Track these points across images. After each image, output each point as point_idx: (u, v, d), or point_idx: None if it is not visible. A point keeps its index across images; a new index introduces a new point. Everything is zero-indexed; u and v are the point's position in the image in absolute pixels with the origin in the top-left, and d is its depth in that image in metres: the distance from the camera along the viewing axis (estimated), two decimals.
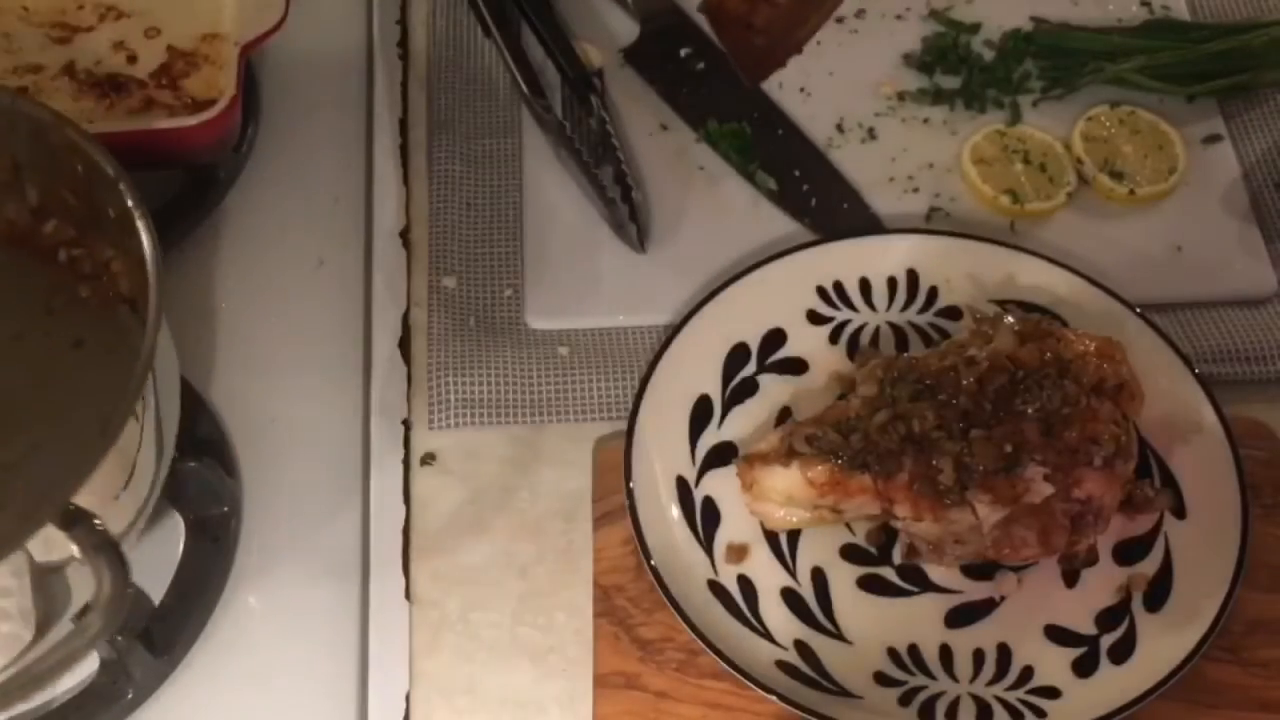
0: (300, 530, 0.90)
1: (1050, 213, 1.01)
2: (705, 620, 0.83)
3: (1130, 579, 0.86)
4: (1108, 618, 0.85)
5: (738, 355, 0.94)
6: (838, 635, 0.85)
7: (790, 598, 0.86)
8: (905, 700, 0.82)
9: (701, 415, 0.91)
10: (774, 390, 0.93)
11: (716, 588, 0.85)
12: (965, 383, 0.84)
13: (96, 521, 0.71)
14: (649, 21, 1.12)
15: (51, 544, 0.71)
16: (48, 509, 0.70)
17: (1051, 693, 0.82)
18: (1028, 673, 0.83)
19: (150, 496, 0.82)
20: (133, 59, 1.02)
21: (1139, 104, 1.06)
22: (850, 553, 0.88)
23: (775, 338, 0.94)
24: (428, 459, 0.93)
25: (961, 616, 0.85)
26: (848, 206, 1.03)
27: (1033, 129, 1.05)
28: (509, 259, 1.00)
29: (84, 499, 0.71)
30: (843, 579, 0.87)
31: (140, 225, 0.80)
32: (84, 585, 0.74)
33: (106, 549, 0.71)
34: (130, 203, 0.81)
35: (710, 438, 0.91)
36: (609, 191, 1.00)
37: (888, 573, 0.87)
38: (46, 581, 0.72)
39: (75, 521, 0.70)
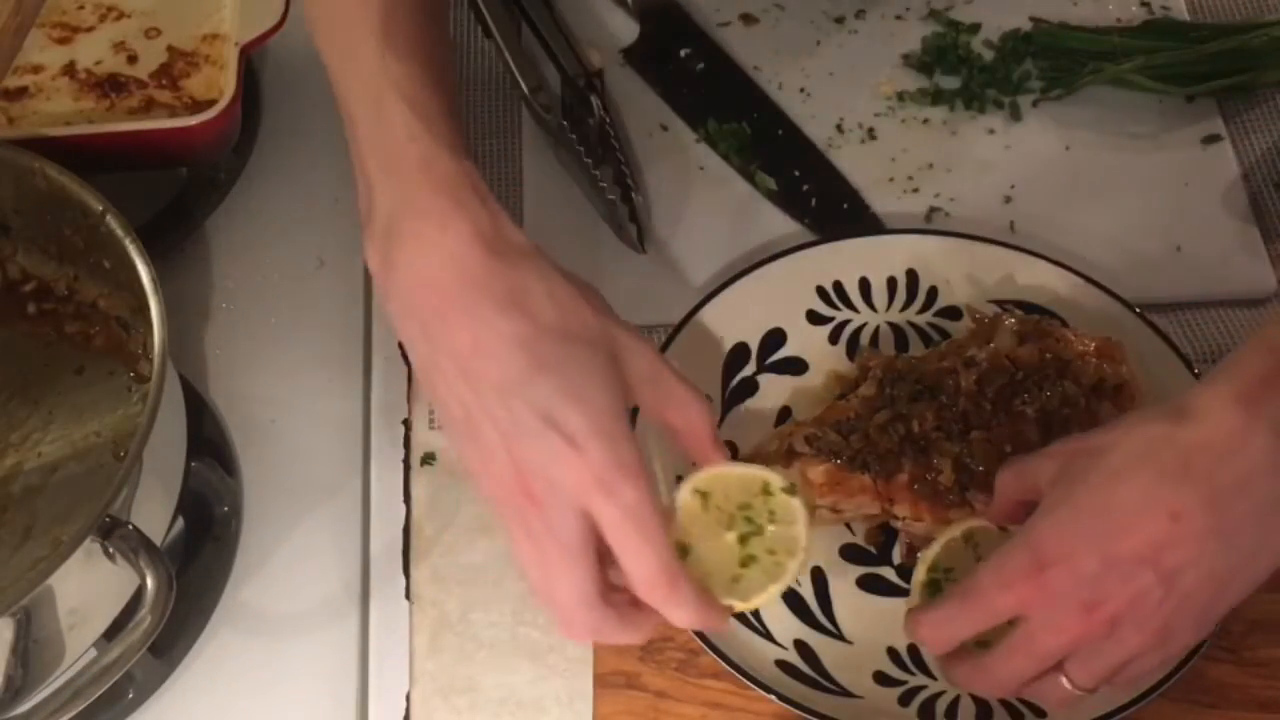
0: (300, 530, 0.90)
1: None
2: None
3: None
4: None
5: (738, 355, 0.94)
6: (838, 635, 0.85)
7: (790, 597, 0.85)
8: (905, 700, 0.82)
9: None
10: (774, 390, 0.93)
11: None
12: (965, 383, 0.84)
13: (132, 527, 0.74)
14: (649, 21, 1.12)
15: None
16: (85, 524, 0.73)
17: None
18: None
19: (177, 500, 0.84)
20: (133, 59, 1.02)
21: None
22: (850, 553, 0.87)
23: (775, 338, 0.94)
24: (428, 459, 0.93)
25: None
26: (848, 206, 1.03)
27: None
28: None
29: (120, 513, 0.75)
30: (843, 579, 0.87)
31: (143, 274, 0.82)
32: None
33: (145, 550, 0.74)
34: (120, 233, 0.83)
35: None
36: (609, 192, 1.00)
37: (888, 573, 0.87)
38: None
39: (111, 530, 0.74)
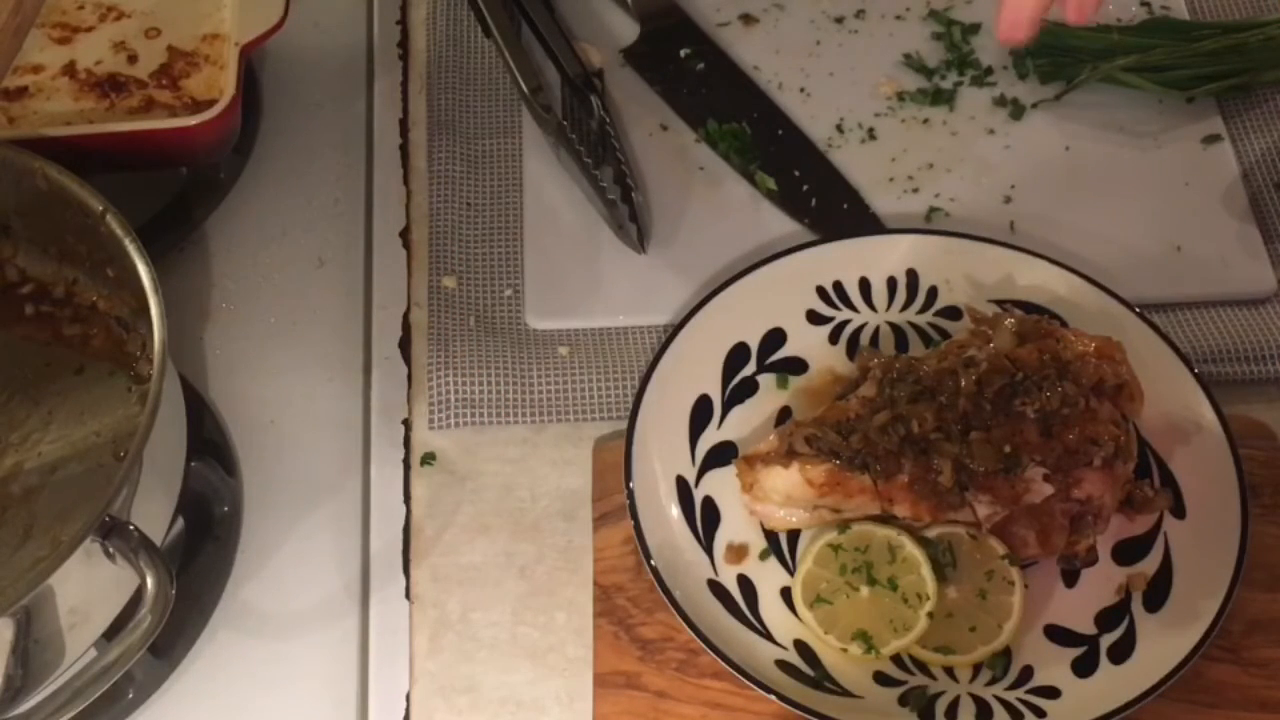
0: (300, 530, 0.90)
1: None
2: (705, 620, 0.83)
3: (1130, 579, 0.86)
4: (1107, 617, 0.85)
5: (738, 355, 0.94)
6: None
7: (790, 597, 0.85)
8: (905, 700, 0.82)
9: (701, 415, 0.91)
10: (774, 390, 0.93)
11: (716, 587, 0.86)
12: (964, 384, 0.84)
13: (132, 527, 0.74)
14: (649, 21, 1.12)
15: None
16: (85, 524, 0.73)
17: (1051, 692, 0.82)
18: (1027, 672, 0.83)
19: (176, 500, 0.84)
20: (133, 59, 1.02)
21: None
22: None
23: (775, 338, 0.94)
24: (428, 459, 0.93)
25: None
26: (848, 206, 1.03)
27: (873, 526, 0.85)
28: (509, 259, 1.00)
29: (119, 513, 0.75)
30: None
31: (143, 274, 0.81)
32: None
33: (145, 549, 0.74)
34: (120, 233, 0.83)
35: (710, 437, 0.91)
36: (609, 192, 1.00)
37: None
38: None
39: (111, 530, 0.73)
